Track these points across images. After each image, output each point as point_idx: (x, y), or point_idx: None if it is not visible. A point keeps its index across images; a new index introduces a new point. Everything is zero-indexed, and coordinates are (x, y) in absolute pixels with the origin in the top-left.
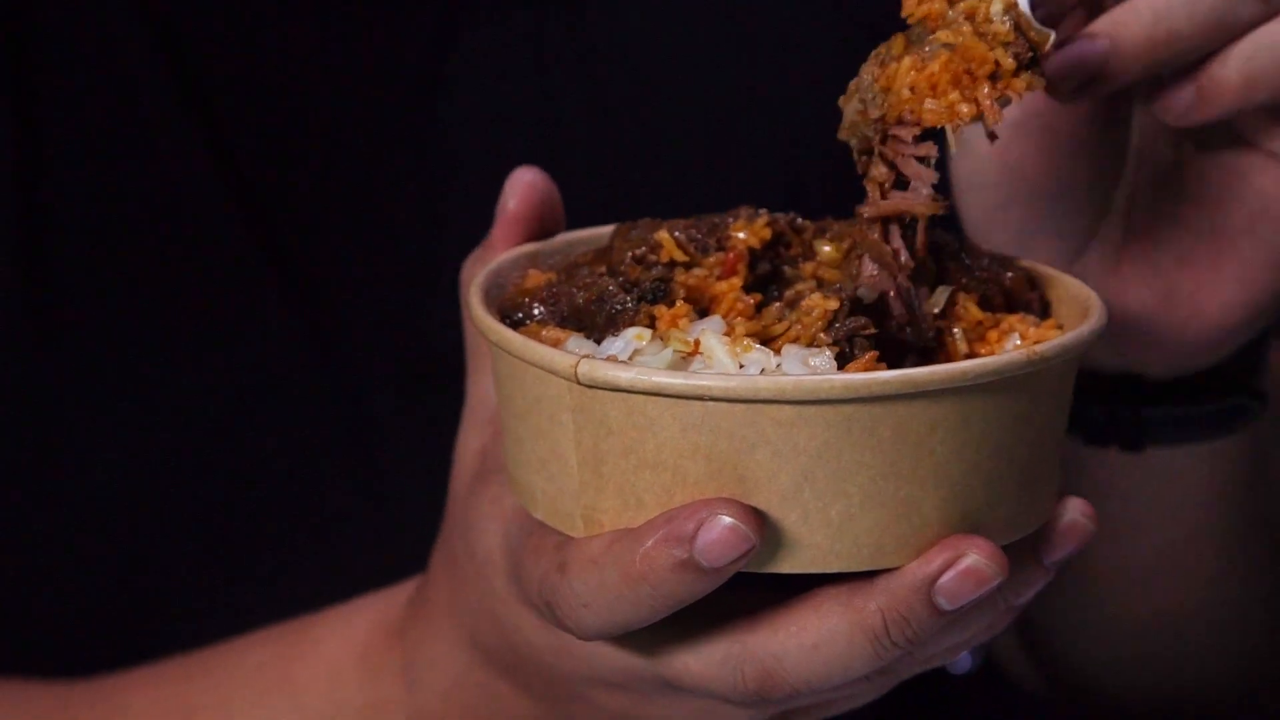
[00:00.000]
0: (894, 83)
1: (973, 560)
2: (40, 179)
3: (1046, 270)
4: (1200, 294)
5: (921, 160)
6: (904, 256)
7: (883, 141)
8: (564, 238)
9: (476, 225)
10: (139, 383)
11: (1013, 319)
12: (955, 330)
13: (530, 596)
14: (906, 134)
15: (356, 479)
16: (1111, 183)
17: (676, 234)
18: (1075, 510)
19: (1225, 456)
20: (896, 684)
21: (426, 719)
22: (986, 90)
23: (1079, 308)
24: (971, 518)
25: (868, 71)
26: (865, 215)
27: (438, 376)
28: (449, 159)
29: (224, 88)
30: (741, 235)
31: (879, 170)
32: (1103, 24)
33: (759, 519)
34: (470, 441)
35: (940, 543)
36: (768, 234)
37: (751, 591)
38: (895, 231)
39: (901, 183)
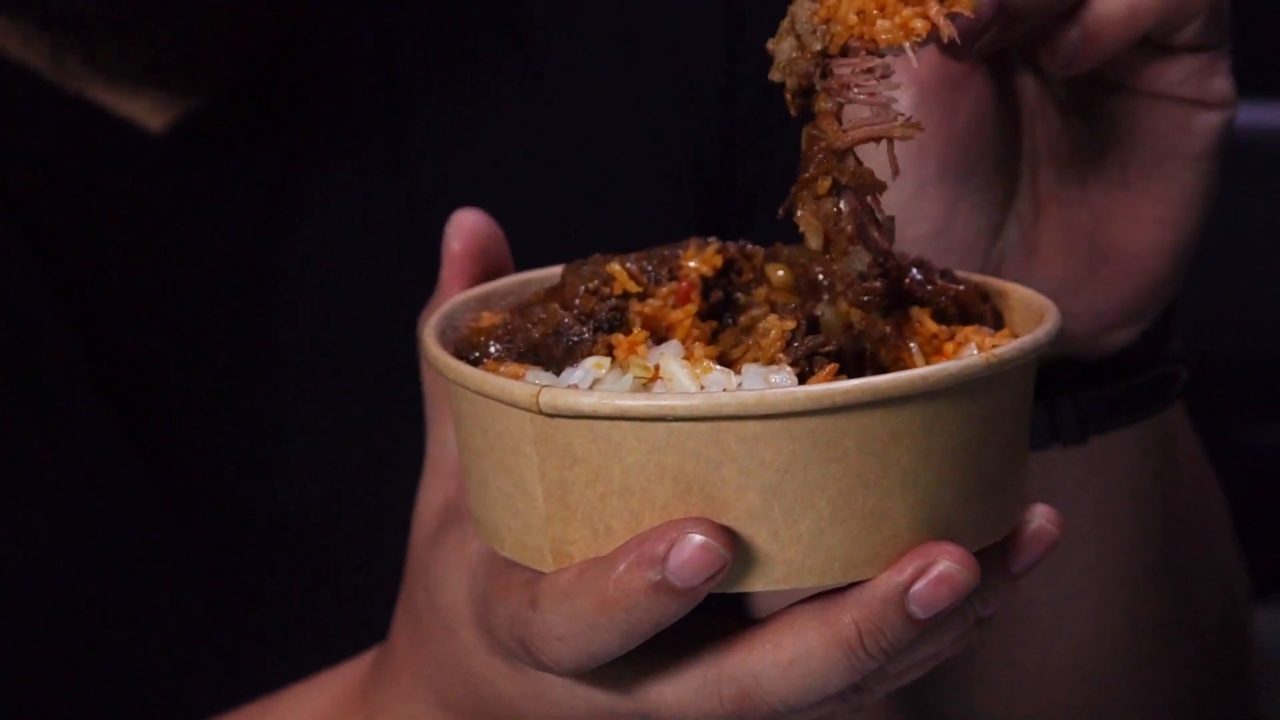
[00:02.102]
0: (836, 12)
1: (945, 566)
2: None
3: (997, 282)
4: (1122, 245)
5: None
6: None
7: (823, 76)
8: (515, 278)
9: (314, 380)
10: None
11: (968, 330)
12: (912, 345)
13: (501, 638)
14: (851, 64)
15: (210, 625)
16: (1013, 153)
17: (628, 265)
18: (1042, 516)
19: (1155, 441)
20: (871, 703)
21: None
22: (935, 7)
23: (1032, 315)
24: (941, 525)
25: (801, 8)
26: (837, 146)
27: (284, 525)
28: (288, 320)
29: (71, 249)
30: (693, 264)
31: (826, 104)
32: None
33: (730, 536)
34: (432, 496)
35: (911, 551)
36: (719, 261)
37: (724, 617)
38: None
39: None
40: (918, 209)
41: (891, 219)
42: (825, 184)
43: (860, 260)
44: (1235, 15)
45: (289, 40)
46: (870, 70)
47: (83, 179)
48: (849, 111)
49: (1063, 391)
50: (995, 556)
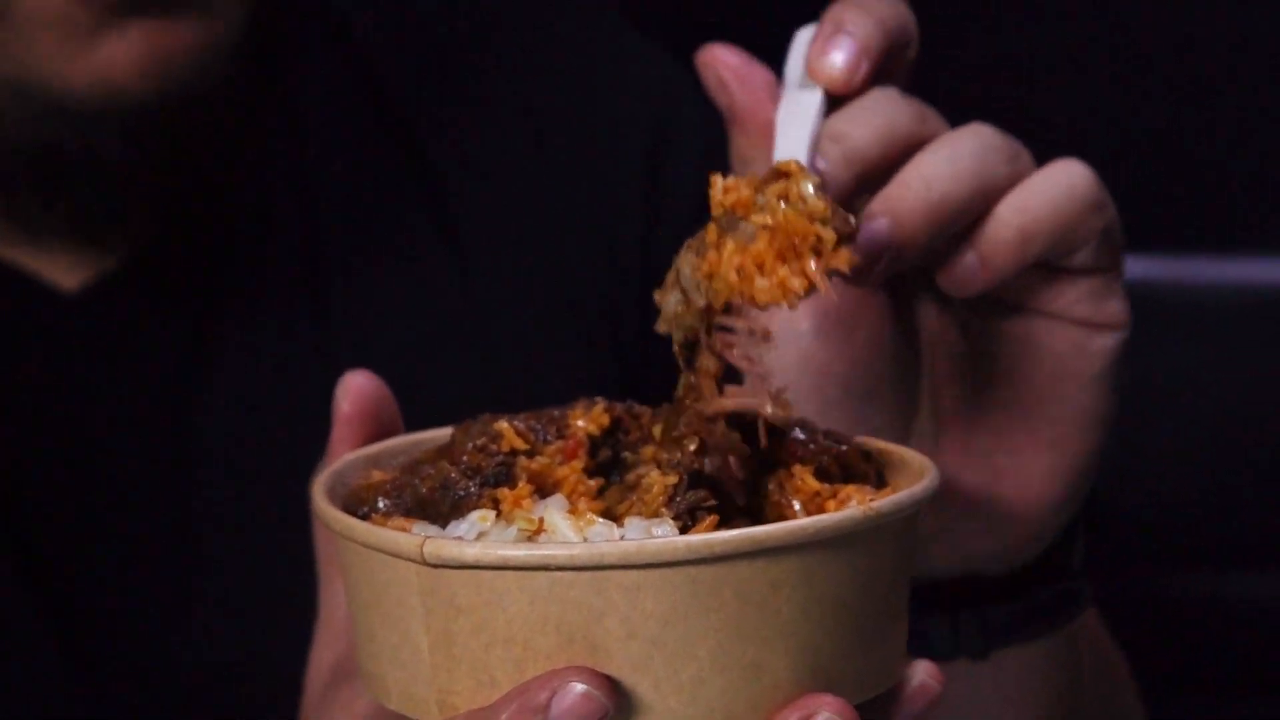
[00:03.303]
0: (718, 268)
1: (825, 718)
2: None
3: (879, 443)
4: (1022, 466)
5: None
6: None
7: (708, 332)
8: (405, 439)
9: (229, 540)
10: None
11: (850, 489)
12: (795, 502)
13: None
14: (736, 323)
15: None
16: (913, 374)
17: (516, 423)
18: (924, 672)
19: (1060, 654)
20: None
21: None
22: (813, 264)
23: (913, 474)
24: (822, 676)
25: (685, 261)
26: (707, 413)
27: (197, 687)
28: (202, 479)
29: None
30: (580, 423)
31: (708, 362)
32: (878, 204)
33: (612, 685)
34: (323, 656)
35: (791, 703)
36: (605, 420)
37: None
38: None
39: (731, 373)
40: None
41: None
42: (692, 444)
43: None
44: (1143, 167)
45: (210, 196)
46: (752, 333)
47: None
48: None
49: (966, 605)
50: (878, 711)
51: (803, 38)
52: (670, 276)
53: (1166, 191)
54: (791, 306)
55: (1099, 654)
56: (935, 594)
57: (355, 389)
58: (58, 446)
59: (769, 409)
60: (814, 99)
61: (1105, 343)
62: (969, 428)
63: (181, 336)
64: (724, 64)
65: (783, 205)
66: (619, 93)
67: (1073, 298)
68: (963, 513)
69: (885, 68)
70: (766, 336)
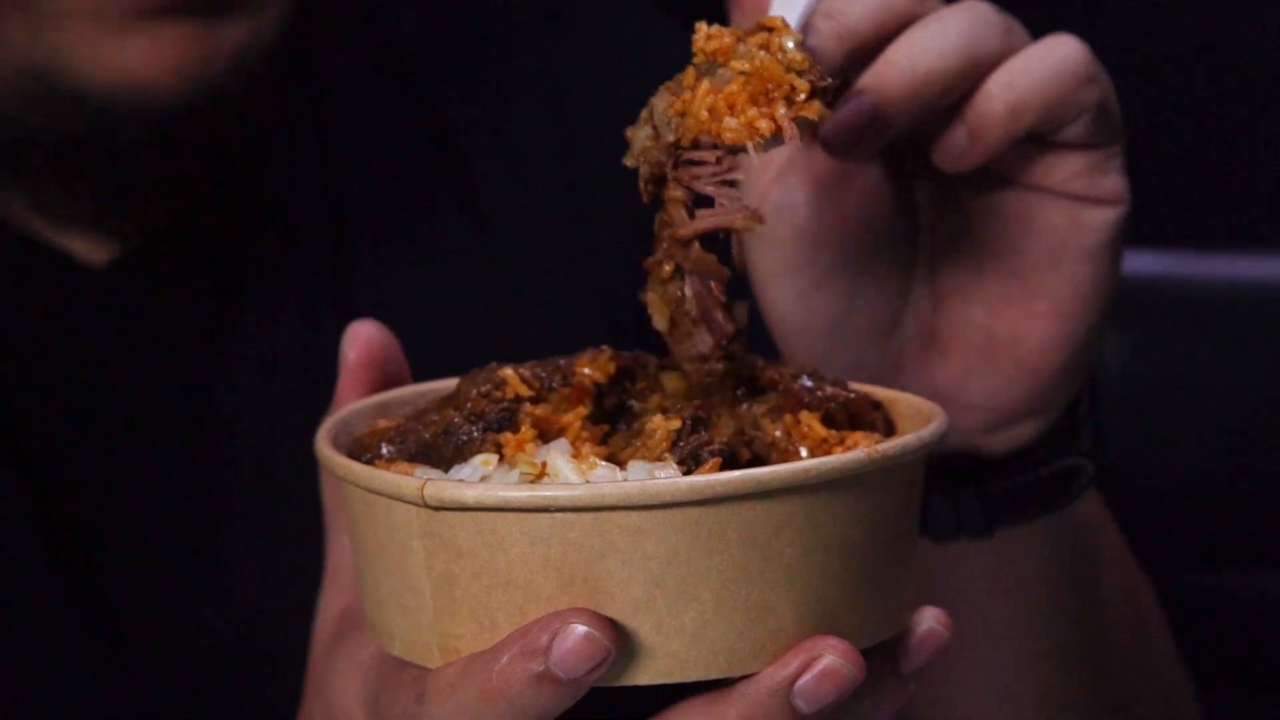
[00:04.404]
0: (690, 106)
1: (830, 661)
2: None
3: (887, 391)
4: (1018, 338)
5: (727, 183)
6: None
7: (675, 166)
8: (412, 388)
9: (252, 515)
10: None
11: (857, 435)
12: (802, 449)
13: None
14: (703, 156)
15: None
16: (910, 247)
17: (522, 371)
18: (932, 619)
19: (1065, 538)
20: None
21: None
22: (783, 110)
23: (921, 420)
24: (827, 620)
25: (660, 100)
26: (682, 234)
27: (218, 661)
28: (225, 453)
29: (8, 382)
30: (587, 370)
31: (676, 192)
32: (864, 80)
33: (613, 627)
34: (330, 605)
35: (796, 645)
36: (612, 369)
37: (616, 710)
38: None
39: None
40: (815, 302)
41: (744, 304)
42: (669, 268)
43: (702, 342)
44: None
45: (237, 174)
46: (719, 163)
47: (22, 313)
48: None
49: (967, 484)
50: (885, 657)
51: None
52: (644, 114)
53: (1179, 188)
54: (757, 149)
55: (1113, 550)
56: (937, 473)
57: (362, 338)
58: (82, 419)
59: (740, 222)
60: None
61: (1103, 216)
62: (966, 300)
63: (206, 311)
64: None
65: (762, 54)
66: (643, 74)
67: (1068, 172)
68: (960, 386)
69: None
70: (734, 166)
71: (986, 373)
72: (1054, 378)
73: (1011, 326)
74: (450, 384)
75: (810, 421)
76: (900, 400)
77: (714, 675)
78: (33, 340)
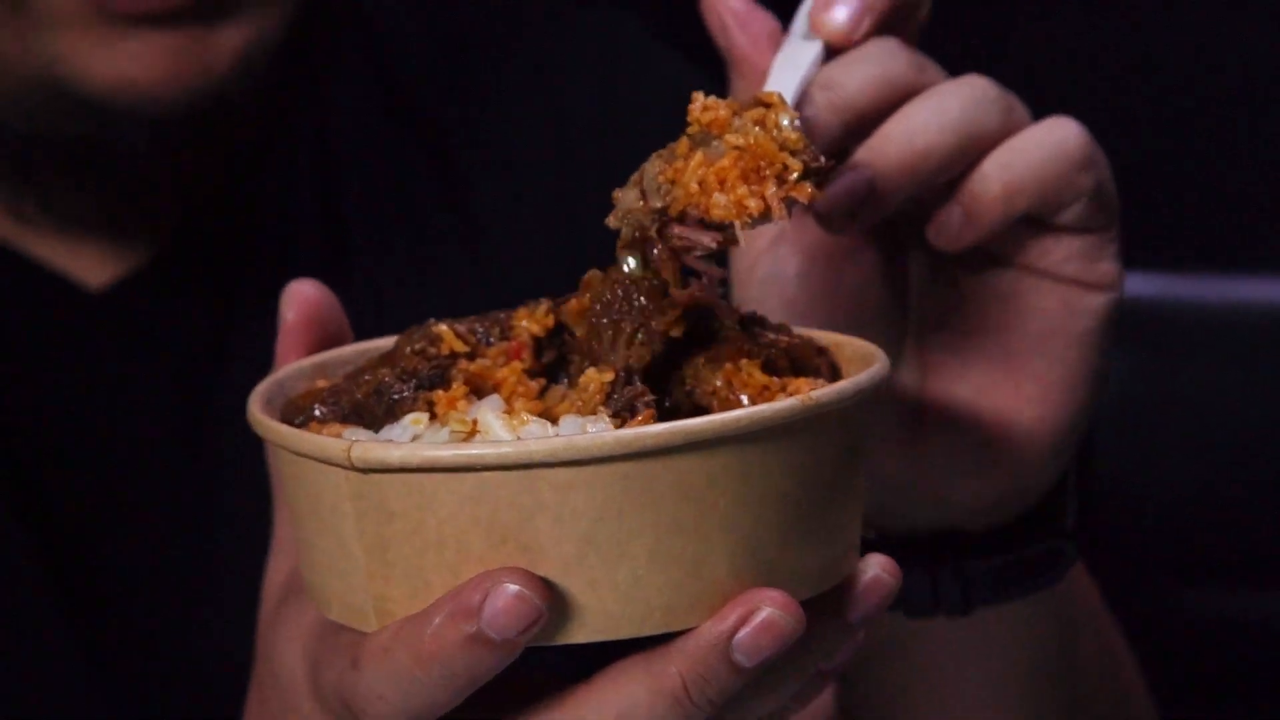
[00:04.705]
0: (681, 176)
1: (768, 614)
2: None
3: (832, 335)
4: (1005, 419)
5: (710, 256)
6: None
7: (659, 233)
8: (353, 348)
9: (250, 535)
10: None
11: (800, 381)
12: (743, 396)
13: (329, 703)
14: (687, 232)
15: None
16: (900, 322)
17: (458, 326)
18: (877, 565)
19: (1046, 616)
20: None
21: None
22: (774, 189)
23: (865, 365)
24: (764, 572)
25: (652, 166)
26: (678, 299)
27: (217, 681)
28: (223, 474)
29: (4, 405)
30: (524, 324)
31: (664, 257)
32: (862, 154)
33: (546, 587)
34: (276, 571)
35: (734, 599)
36: (550, 321)
37: (551, 676)
38: None
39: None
40: None
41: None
42: (673, 317)
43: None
44: (1148, 186)
45: (235, 193)
46: (703, 240)
47: (20, 337)
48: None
49: (945, 562)
50: (830, 607)
51: None
52: (634, 177)
53: (1178, 210)
54: (743, 226)
55: (1094, 623)
56: (915, 548)
57: (300, 296)
58: (80, 443)
59: (724, 305)
60: (812, 49)
61: (1095, 302)
62: (954, 379)
63: (203, 334)
64: (727, 7)
65: (757, 130)
66: (640, 97)
67: (1062, 255)
68: (944, 462)
69: (892, 26)
70: (726, 244)
71: (972, 455)
72: (1038, 461)
73: (997, 409)
74: (389, 342)
75: (751, 369)
76: (846, 345)
77: (650, 631)
78: (32, 365)
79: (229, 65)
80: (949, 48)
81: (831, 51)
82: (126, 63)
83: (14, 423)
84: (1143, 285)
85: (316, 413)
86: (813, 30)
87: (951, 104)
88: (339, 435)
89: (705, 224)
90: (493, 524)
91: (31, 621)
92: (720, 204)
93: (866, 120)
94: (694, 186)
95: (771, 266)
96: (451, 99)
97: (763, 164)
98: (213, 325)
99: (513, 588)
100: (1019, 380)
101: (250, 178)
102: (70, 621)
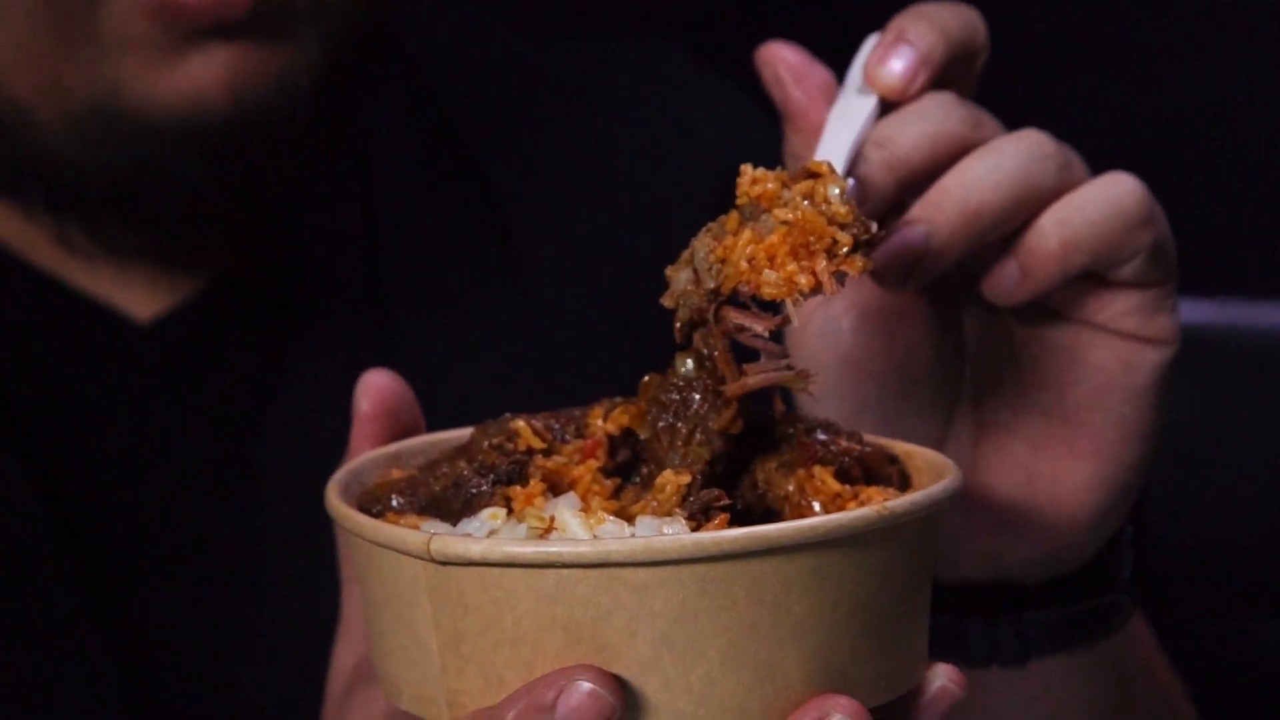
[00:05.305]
0: (731, 254)
1: (838, 719)
2: None
3: (903, 445)
4: (1059, 476)
5: (770, 335)
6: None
7: (715, 313)
8: (426, 438)
9: (296, 574)
10: None
11: (871, 490)
12: (815, 504)
13: None
14: (740, 317)
15: None
16: (955, 377)
17: (534, 422)
18: (944, 675)
19: (1102, 669)
20: None
21: None
22: (824, 264)
23: (936, 475)
24: (836, 677)
25: (701, 243)
26: (732, 391)
27: None
28: (270, 514)
29: (53, 441)
30: (600, 422)
31: (719, 343)
32: (917, 210)
33: (619, 684)
34: (344, 656)
35: (805, 704)
36: (625, 420)
37: None
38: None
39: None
40: (856, 426)
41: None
42: (728, 416)
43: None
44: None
45: (282, 228)
46: (755, 327)
47: (67, 370)
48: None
49: (1002, 614)
50: (898, 714)
51: (869, 44)
52: (685, 255)
53: (1220, 235)
54: (794, 303)
55: (1151, 674)
56: (974, 598)
57: (375, 387)
58: (125, 478)
59: (792, 381)
60: (867, 104)
61: (1153, 357)
62: (1008, 434)
63: (249, 369)
64: (782, 61)
65: (806, 204)
66: (689, 132)
67: (1120, 310)
68: (998, 518)
69: (949, 76)
70: (780, 324)
71: (1026, 510)
72: (1093, 517)
73: (1052, 464)
74: (464, 434)
75: (824, 476)
76: (917, 455)
77: None
78: (75, 399)
79: (276, 82)
80: (1006, 97)
81: (887, 105)
82: (187, 79)
83: (59, 456)
84: (1195, 311)
85: (394, 503)
86: (867, 84)
87: (1008, 160)
88: (416, 527)
89: (758, 301)
90: (569, 622)
91: (74, 661)
92: (770, 281)
93: (922, 177)
94: (744, 264)
95: (826, 322)
96: (495, 132)
97: (812, 239)
98: (259, 362)
99: (586, 685)
100: (1074, 436)
101: (297, 212)
102: (113, 662)
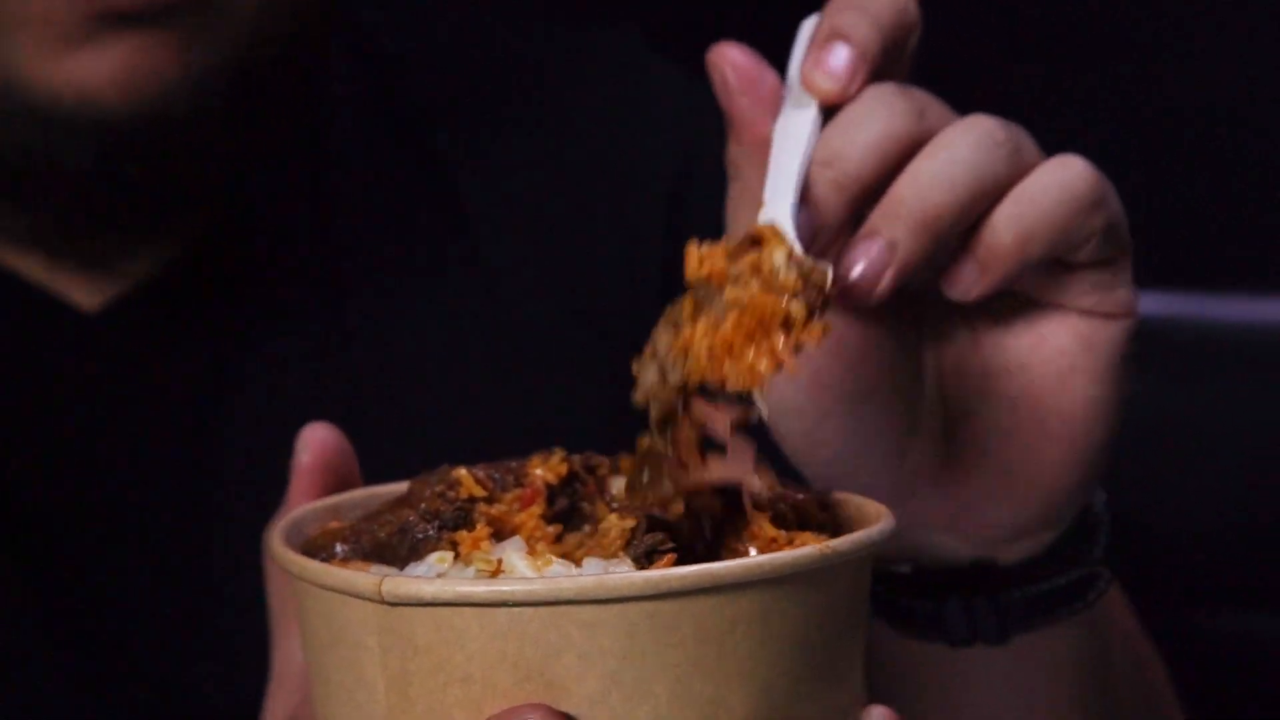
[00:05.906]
0: (691, 345)
1: None
2: None
3: (837, 494)
4: (1031, 459)
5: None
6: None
7: (685, 406)
8: (364, 491)
9: (252, 566)
10: None
11: (806, 535)
12: (751, 549)
13: None
14: (707, 407)
15: None
16: (916, 373)
17: (475, 471)
18: (880, 715)
19: (1083, 640)
20: None
21: None
22: (781, 342)
23: (868, 521)
24: (778, 715)
25: (662, 337)
26: (689, 487)
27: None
28: (224, 502)
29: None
30: (539, 471)
31: (686, 434)
32: (875, 221)
33: None
34: (276, 708)
35: None
36: (564, 470)
37: None
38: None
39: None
40: (820, 435)
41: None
42: (679, 506)
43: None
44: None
45: (231, 219)
46: (719, 425)
47: (13, 359)
48: None
49: (981, 593)
50: None
51: (806, 30)
52: (648, 349)
53: (1191, 227)
54: (761, 390)
55: (1129, 643)
56: (951, 579)
57: (317, 440)
58: (77, 467)
59: (754, 482)
60: (809, 111)
61: (1114, 331)
62: (975, 423)
63: (201, 357)
64: (731, 64)
65: (754, 280)
66: (646, 121)
67: (1078, 290)
68: (973, 507)
69: (885, 67)
70: (745, 417)
71: (999, 494)
72: (1067, 494)
73: (1023, 448)
74: (399, 487)
75: (760, 521)
76: (849, 502)
77: None
78: (24, 386)
79: (179, 77)
80: (1002, 94)
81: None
82: (81, 70)
83: (3, 448)
84: (1162, 305)
85: (338, 550)
86: (805, 89)
87: (959, 154)
88: (362, 571)
89: (725, 393)
90: (519, 660)
91: (21, 652)
92: (733, 373)
93: (872, 187)
94: (704, 359)
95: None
96: (452, 123)
97: (765, 317)
98: (211, 350)
99: None
100: (1043, 418)
101: (247, 203)
102: (62, 654)
